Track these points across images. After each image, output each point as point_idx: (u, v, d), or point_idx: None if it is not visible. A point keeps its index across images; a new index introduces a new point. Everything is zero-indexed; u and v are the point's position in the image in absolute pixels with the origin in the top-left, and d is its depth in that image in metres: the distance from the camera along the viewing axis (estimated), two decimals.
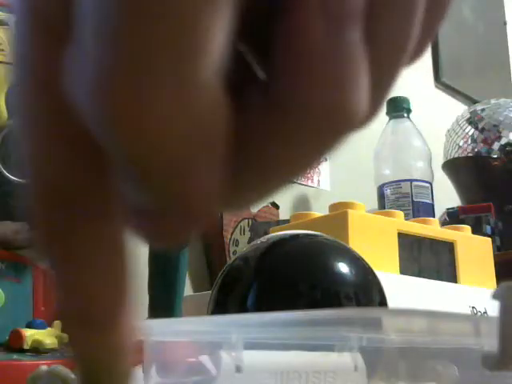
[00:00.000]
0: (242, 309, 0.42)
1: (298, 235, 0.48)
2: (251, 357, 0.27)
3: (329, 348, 0.28)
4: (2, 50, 0.50)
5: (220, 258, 0.91)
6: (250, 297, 0.42)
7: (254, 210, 0.99)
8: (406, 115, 1.02)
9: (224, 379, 0.27)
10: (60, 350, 0.49)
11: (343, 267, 0.43)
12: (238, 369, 0.26)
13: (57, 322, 0.51)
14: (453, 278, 0.72)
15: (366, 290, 0.43)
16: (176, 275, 0.57)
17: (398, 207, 0.93)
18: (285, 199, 1.09)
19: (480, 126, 1.14)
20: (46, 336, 0.48)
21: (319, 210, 0.73)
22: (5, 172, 0.48)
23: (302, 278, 0.42)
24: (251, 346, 0.28)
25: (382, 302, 0.44)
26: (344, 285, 0.42)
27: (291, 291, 0.42)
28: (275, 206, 1.02)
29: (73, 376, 0.25)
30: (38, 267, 0.56)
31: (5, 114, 0.49)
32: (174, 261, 0.57)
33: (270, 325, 0.27)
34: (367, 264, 0.45)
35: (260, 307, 0.42)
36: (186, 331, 0.28)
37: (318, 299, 0.41)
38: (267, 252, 0.45)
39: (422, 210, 0.95)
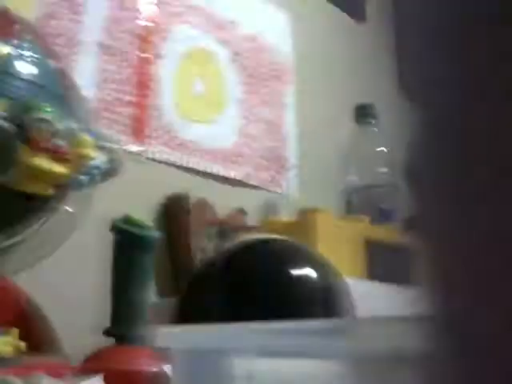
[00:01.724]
0: (207, 316, 0.41)
1: (266, 240, 0.47)
2: (260, 364, 0.26)
3: (318, 356, 0.28)
4: None
5: (186, 264, 0.89)
6: (216, 303, 0.41)
7: (222, 216, 0.98)
8: (372, 122, 1.02)
9: None
10: (17, 358, 0.47)
11: (311, 272, 0.42)
12: (250, 376, 0.25)
13: (13, 330, 0.49)
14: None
15: (334, 296, 0.42)
16: (140, 281, 0.56)
17: (365, 213, 0.93)
18: (252, 205, 1.08)
19: None
20: (2, 344, 0.46)
21: (287, 216, 0.72)
22: None
23: (270, 283, 0.41)
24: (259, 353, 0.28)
25: (350, 307, 0.43)
26: (312, 290, 0.41)
27: (258, 297, 0.41)
28: (242, 212, 1.01)
29: None
30: None
31: None
32: (137, 266, 0.56)
33: (274, 333, 0.26)
34: (335, 269, 0.44)
35: (225, 314, 0.41)
36: (198, 339, 0.27)
37: (286, 304, 0.40)
38: (234, 258, 0.44)
39: (389, 215, 0.95)
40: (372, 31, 1.59)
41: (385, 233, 0.69)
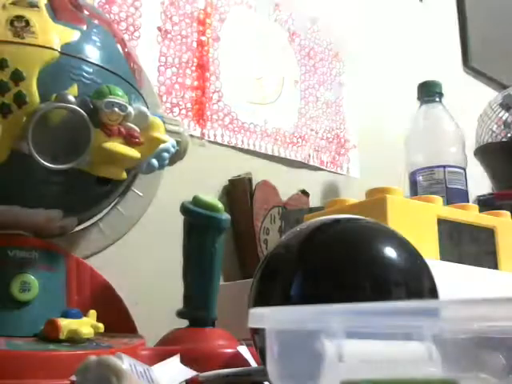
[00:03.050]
0: (286, 297, 0.40)
1: (338, 220, 0.46)
2: (349, 345, 0.26)
3: (407, 337, 0.27)
4: (33, 33, 0.49)
5: (250, 247, 0.89)
6: (294, 285, 0.40)
7: (284, 198, 0.97)
8: (438, 100, 0.99)
9: (328, 368, 0.25)
10: (96, 339, 0.48)
11: (391, 252, 0.41)
12: (340, 357, 0.25)
13: (92, 312, 0.50)
14: (494, 264, 0.70)
15: (415, 276, 0.41)
16: (212, 263, 0.56)
17: (431, 194, 0.90)
18: (314, 187, 1.07)
19: None
20: (82, 325, 0.47)
21: (349, 197, 0.71)
22: (37, 157, 0.47)
23: (348, 264, 0.40)
24: (348, 335, 0.27)
25: (432, 288, 0.42)
26: (393, 271, 0.40)
27: (337, 279, 0.40)
28: (305, 193, 1.00)
29: (124, 367, 0.23)
30: (70, 255, 0.55)
31: (37, 98, 0.47)
32: (209, 248, 0.56)
33: (366, 314, 0.26)
34: (415, 248, 0.43)
35: (304, 296, 0.40)
36: (291, 320, 0.28)
37: (366, 286, 0.39)
38: (309, 239, 0.43)
39: (457, 196, 0.92)
40: (436, 7, 1.54)
41: (458, 213, 0.67)
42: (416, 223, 0.62)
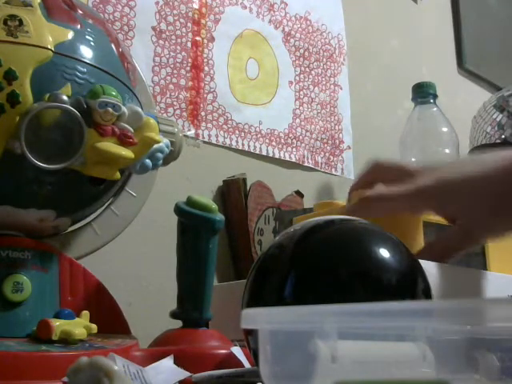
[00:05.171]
0: (280, 298, 0.40)
1: (332, 220, 0.46)
2: (342, 346, 0.26)
3: (400, 338, 0.27)
4: (27, 32, 0.48)
5: (244, 247, 0.89)
6: (288, 285, 0.40)
7: (279, 199, 0.97)
8: (432, 101, 0.99)
9: (321, 369, 0.25)
10: (89, 340, 0.48)
11: (385, 253, 0.41)
12: (334, 358, 0.25)
13: (85, 312, 0.50)
14: (483, 265, 0.70)
15: (409, 277, 0.41)
16: (205, 263, 0.56)
17: None
18: (308, 187, 1.07)
19: (507, 112, 1.11)
20: (75, 326, 0.46)
21: (343, 199, 0.71)
22: (30, 157, 0.46)
23: (341, 265, 0.40)
24: (341, 335, 0.27)
25: (426, 289, 0.42)
26: (387, 272, 0.40)
27: (330, 279, 0.40)
28: (300, 194, 1.00)
29: (116, 367, 0.23)
30: (63, 256, 0.55)
31: (30, 97, 0.47)
32: (203, 249, 0.56)
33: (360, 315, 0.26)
34: (408, 249, 0.43)
35: (298, 296, 0.40)
36: (284, 320, 0.27)
37: (359, 287, 0.39)
38: (303, 239, 0.43)
39: None
40: (431, 9, 1.54)
41: None
42: (402, 225, 0.62)
